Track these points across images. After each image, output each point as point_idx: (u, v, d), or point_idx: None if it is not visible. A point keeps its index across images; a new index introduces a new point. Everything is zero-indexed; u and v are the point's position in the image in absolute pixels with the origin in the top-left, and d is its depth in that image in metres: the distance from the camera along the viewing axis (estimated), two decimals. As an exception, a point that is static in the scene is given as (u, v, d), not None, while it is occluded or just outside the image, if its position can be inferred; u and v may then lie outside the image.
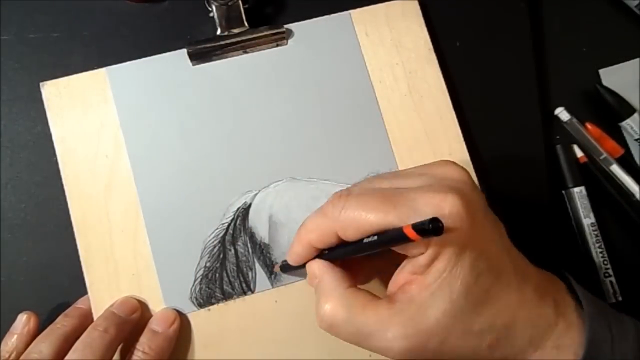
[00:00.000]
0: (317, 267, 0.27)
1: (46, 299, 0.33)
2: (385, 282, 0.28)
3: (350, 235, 0.25)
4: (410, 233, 0.21)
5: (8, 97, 0.35)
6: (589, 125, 0.39)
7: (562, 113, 0.39)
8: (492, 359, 0.25)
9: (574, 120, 0.39)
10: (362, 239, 0.24)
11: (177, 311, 0.32)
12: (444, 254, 0.23)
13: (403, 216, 0.23)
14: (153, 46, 0.36)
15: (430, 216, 0.21)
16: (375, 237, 0.24)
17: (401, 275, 0.25)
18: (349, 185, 0.28)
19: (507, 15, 0.40)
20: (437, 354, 0.24)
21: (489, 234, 0.25)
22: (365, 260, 0.29)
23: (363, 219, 0.24)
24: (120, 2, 0.37)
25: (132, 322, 0.31)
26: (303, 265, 0.29)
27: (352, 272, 0.28)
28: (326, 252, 0.27)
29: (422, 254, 0.23)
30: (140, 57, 0.35)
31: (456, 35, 0.39)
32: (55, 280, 0.33)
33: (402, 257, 0.25)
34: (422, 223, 0.21)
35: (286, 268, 0.32)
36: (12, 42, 0.36)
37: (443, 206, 0.23)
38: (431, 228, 0.20)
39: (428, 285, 0.24)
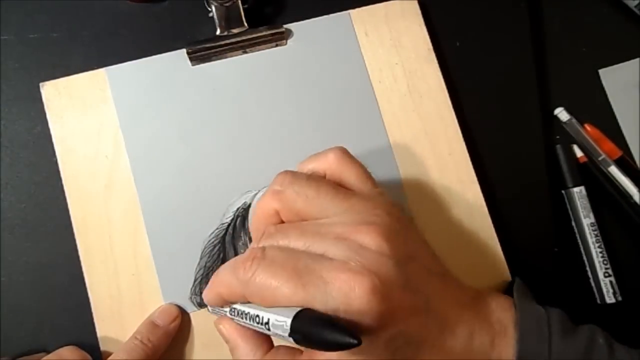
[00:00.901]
0: (229, 333, 0.27)
1: (46, 299, 0.33)
2: None
3: (259, 303, 0.24)
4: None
5: (8, 97, 0.35)
6: (588, 127, 0.39)
7: (561, 113, 0.39)
8: None
9: (574, 120, 0.39)
10: None
11: (180, 308, 0.32)
12: (362, 352, 0.22)
13: (310, 299, 0.22)
14: (153, 46, 0.36)
15: (338, 305, 0.21)
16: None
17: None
18: None
19: (507, 15, 0.40)
20: None
21: (408, 307, 0.24)
22: None
23: (270, 294, 0.23)
24: (120, 2, 0.37)
25: (172, 330, 0.31)
26: None
27: None
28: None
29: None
30: (140, 57, 0.35)
31: (456, 35, 0.39)
32: (55, 280, 0.33)
33: None
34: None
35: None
36: (12, 42, 0.36)
37: (351, 296, 0.21)
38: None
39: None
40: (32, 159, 0.34)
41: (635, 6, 0.41)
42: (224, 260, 0.33)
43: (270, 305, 0.23)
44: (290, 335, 0.21)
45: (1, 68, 0.35)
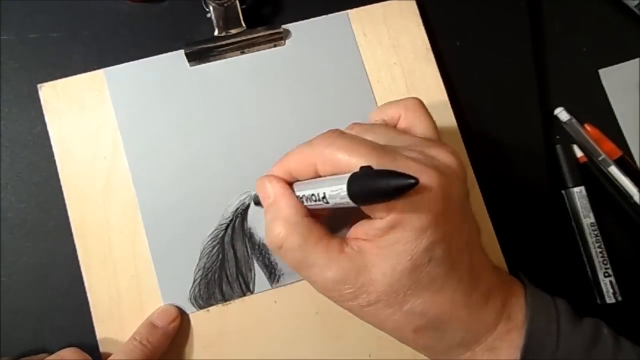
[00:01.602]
0: (273, 188, 0.27)
1: (46, 299, 0.33)
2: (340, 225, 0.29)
3: (327, 170, 0.25)
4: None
5: (8, 97, 0.35)
6: (587, 127, 0.39)
7: (561, 113, 0.39)
8: (416, 343, 0.25)
9: (574, 120, 0.39)
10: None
11: (179, 309, 0.32)
12: (402, 226, 0.23)
13: (384, 166, 0.23)
14: (153, 46, 0.36)
15: None
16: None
17: (359, 228, 0.25)
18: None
19: (507, 15, 0.40)
20: (361, 311, 0.25)
21: (456, 227, 0.25)
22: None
23: (344, 159, 0.24)
24: (120, 2, 0.37)
25: (172, 331, 0.31)
26: None
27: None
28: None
29: (382, 218, 0.23)
30: (140, 57, 0.35)
31: (456, 35, 0.39)
32: (55, 280, 0.33)
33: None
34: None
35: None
36: (12, 42, 0.36)
37: (422, 178, 0.22)
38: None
39: (381, 247, 0.24)
40: (32, 159, 0.34)
41: (635, 6, 0.41)
42: (223, 261, 0.33)
43: (340, 171, 0.24)
44: (348, 195, 0.22)
45: (1, 68, 0.36)
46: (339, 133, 0.25)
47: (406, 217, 0.23)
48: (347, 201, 0.22)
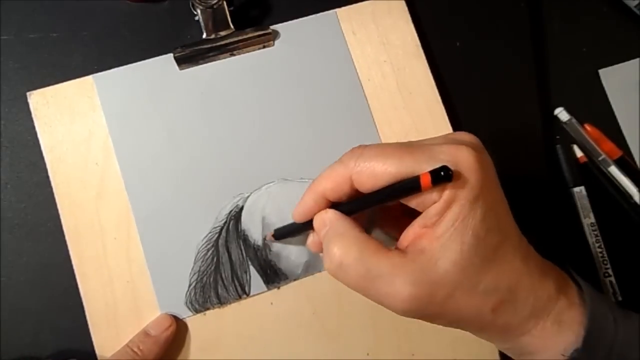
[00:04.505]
0: (328, 216, 0.27)
1: (46, 299, 0.33)
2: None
3: (365, 182, 0.25)
4: (425, 180, 0.22)
5: (8, 97, 0.35)
6: (588, 127, 0.39)
7: (561, 113, 0.39)
8: (495, 324, 0.25)
9: (574, 120, 0.39)
10: (376, 191, 0.25)
11: (174, 317, 0.32)
12: (457, 201, 0.23)
13: (420, 160, 0.23)
14: (153, 46, 0.36)
15: (446, 162, 0.22)
16: (391, 188, 0.24)
17: (412, 230, 0.25)
18: None
19: (507, 15, 0.40)
20: (441, 309, 0.24)
21: (498, 195, 0.25)
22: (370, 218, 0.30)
23: (379, 166, 0.24)
24: (120, 2, 0.37)
25: (166, 338, 0.31)
26: (303, 227, 0.29)
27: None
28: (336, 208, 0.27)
29: (436, 202, 0.24)
30: (140, 57, 0.35)
31: (456, 35, 0.39)
32: (55, 280, 0.33)
33: (410, 218, 0.26)
34: (435, 170, 0.22)
35: (281, 234, 0.32)
36: (12, 42, 0.36)
37: (457, 155, 0.23)
38: (443, 175, 0.22)
39: (439, 236, 0.24)
40: (32, 159, 0.34)
41: (635, 6, 0.41)
42: (217, 264, 0.33)
43: (379, 180, 0.24)
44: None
45: (1, 68, 0.35)
46: (363, 145, 0.26)
47: (459, 192, 0.23)
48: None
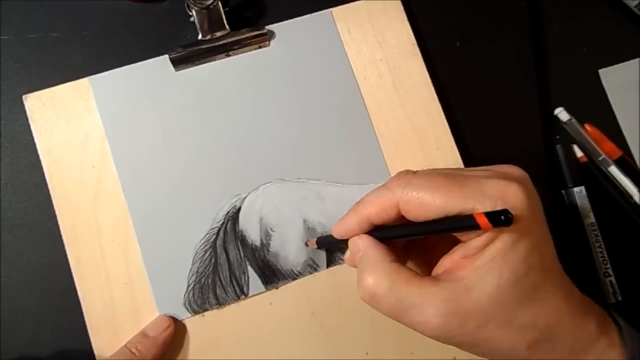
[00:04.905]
0: (362, 243, 0.27)
1: (46, 299, 0.33)
2: (423, 268, 0.29)
3: (412, 211, 0.25)
4: (483, 221, 0.22)
5: (8, 97, 0.35)
6: (588, 127, 0.39)
7: (561, 113, 0.39)
8: None
9: (573, 120, 0.39)
10: (424, 221, 0.25)
11: (173, 318, 0.32)
12: (501, 238, 0.23)
13: (469, 195, 0.23)
14: (153, 46, 0.36)
15: (495, 199, 0.23)
16: (442, 222, 0.24)
17: (450, 258, 0.25)
18: (339, 184, 0.28)
19: (507, 15, 0.40)
20: (473, 339, 0.24)
21: (544, 233, 0.25)
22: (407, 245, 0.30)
23: (428, 198, 0.24)
24: (120, 2, 0.37)
25: (164, 339, 0.31)
26: (341, 241, 0.29)
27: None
28: (376, 232, 0.27)
29: (479, 236, 0.24)
30: (140, 57, 0.35)
31: (456, 35, 0.39)
32: (55, 280, 0.33)
33: (446, 246, 0.26)
34: (494, 213, 0.22)
35: (322, 243, 0.32)
36: (12, 42, 0.36)
37: (507, 192, 0.23)
38: (503, 219, 0.21)
39: (477, 267, 0.24)
40: (32, 159, 0.34)
41: (635, 6, 0.41)
42: (215, 265, 0.33)
43: (426, 211, 0.24)
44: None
45: (1, 68, 0.36)
46: (412, 172, 0.26)
47: (502, 230, 0.23)
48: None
